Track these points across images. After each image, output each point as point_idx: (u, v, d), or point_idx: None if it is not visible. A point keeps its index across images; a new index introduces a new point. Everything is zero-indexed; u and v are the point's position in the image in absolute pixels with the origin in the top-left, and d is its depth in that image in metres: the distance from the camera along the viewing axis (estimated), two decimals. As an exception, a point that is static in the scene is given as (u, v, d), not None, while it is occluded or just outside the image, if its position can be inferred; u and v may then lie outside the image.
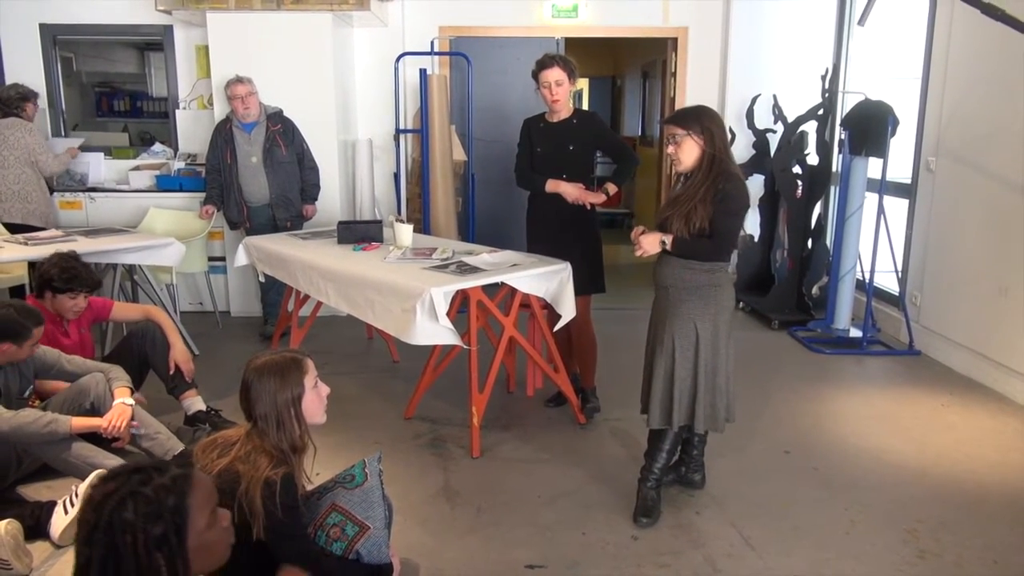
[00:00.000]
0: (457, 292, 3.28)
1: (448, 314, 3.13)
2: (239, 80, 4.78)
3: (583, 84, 10.81)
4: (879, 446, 3.49)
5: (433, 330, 3.10)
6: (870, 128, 4.73)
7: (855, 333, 4.98)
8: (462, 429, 3.59)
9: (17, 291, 4.55)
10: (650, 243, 2.75)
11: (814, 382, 4.32)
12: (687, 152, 2.73)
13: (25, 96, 4.94)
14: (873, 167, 4.88)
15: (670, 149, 2.77)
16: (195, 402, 3.53)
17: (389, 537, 2.26)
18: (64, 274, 3.31)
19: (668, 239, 2.73)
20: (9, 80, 5.61)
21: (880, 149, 4.64)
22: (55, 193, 5.32)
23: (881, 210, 4.66)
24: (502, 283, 3.41)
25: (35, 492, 2.99)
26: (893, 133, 4.58)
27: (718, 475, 3.16)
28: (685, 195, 2.74)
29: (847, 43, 5.91)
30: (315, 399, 2.09)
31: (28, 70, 5.76)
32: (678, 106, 6.25)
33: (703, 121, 2.73)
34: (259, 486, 1.91)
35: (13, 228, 4.71)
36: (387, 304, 3.28)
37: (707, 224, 2.69)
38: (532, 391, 4.11)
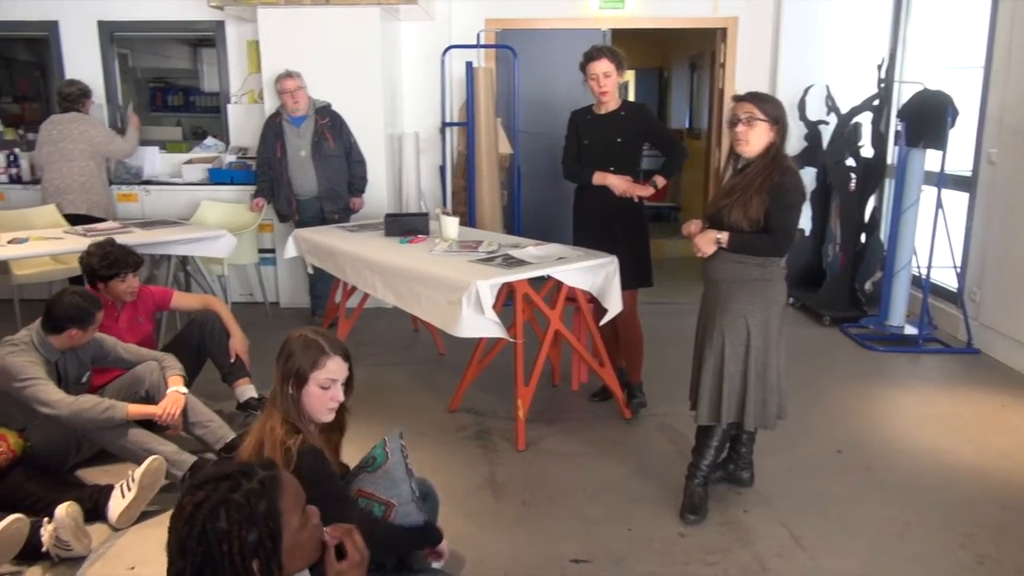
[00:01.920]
0: (503, 285, 3.28)
1: (494, 307, 3.13)
2: (288, 74, 4.85)
3: (629, 76, 10.70)
4: (935, 447, 3.39)
5: (479, 323, 3.10)
6: (928, 119, 4.58)
7: (910, 330, 4.84)
8: (507, 422, 3.59)
9: (77, 281, 4.68)
10: (706, 243, 2.70)
11: (867, 380, 4.22)
12: (758, 137, 2.65)
13: (85, 92, 5.09)
14: (931, 159, 4.74)
15: (740, 128, 2.65)
16: (247, 390, 3.59)
17: (420, 512, 2.20)
18: (104, 260, 3.36)
19: (724, 237, 2.66)
20: (69, 75, 5.76)
21: (939, 141, 4.50)
22: (112, 186, 5.46)
23: (939, 203, 4.52)
24: (548, 276, 3.40)
25: (94, 476, 3.08)
26: (952, 124, 4.43)
27: (768, 473, 3.11)
28: (741, 184, 2.67)
29: (904, 31, 5.74)
30: (319, 394, 1.99)
31: (87, 67, 5.92)
32: (727, 98, 6.15)
33: (781, 112, 2.67)
34: (279, 449, 1.91)
35: (76, 219, 4.85)
36: (433, 296, 3.29)
37: (762, 216, 2.62)
38: (577, 385, 4.09)
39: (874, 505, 2.91)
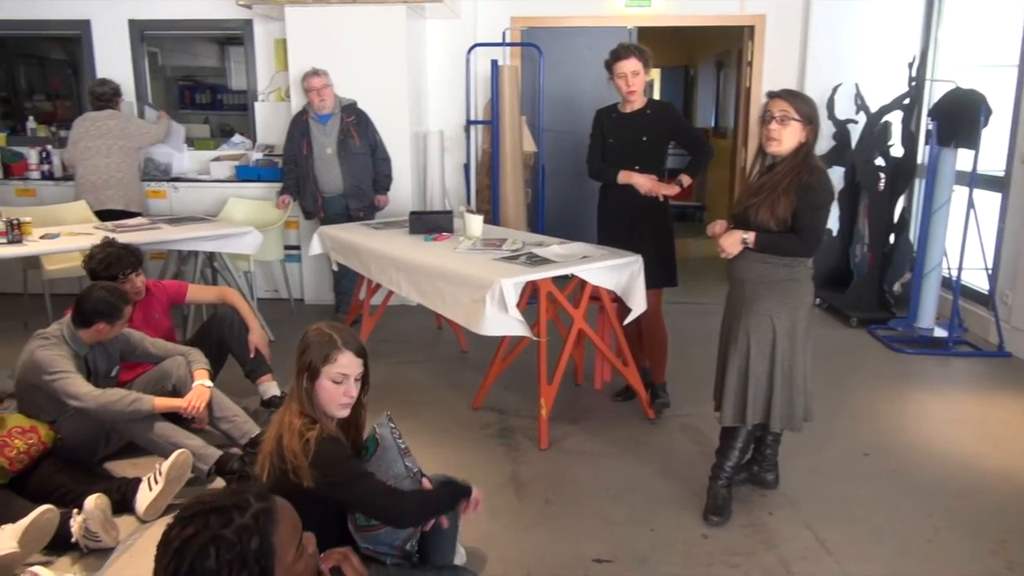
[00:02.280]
0: (527, 283, 3.27)
1: (518, 305, 3.13)
2: (315, 72, 4.88)
3: (655, 74, 10.64)
4: (965, 451, 3.34)
5: (503, 321, 3.10)
6: (960, 118, 4.50)
7: (940, 332, 4.77)
8: (530, 420, 3.59)
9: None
10: (731, 244, 2.66)
11: (895, 382, 4.15)
12: (791, 136, 2.61)
13: (117, 91, 5.19)
14: (962, 159, 4.66)
15: (773, 126, 2.62)
16: (270, 387, 3.62)
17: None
18: (103, 263, 3.35)
19: (750, 237, 2.63)
20: (100, 75, 5.85)
21: (971, 140, 4.42)
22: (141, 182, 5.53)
23: (971, 204, 4.44)
24: (572, 275, 3.39)
25: (121, 468, 3.12)
26: (986, 123, 4.36)
27: (793, 475, 3.07)
28: (769, 183, 2.63)
29: (936, 29, 5.65)
30: (331, 389, 2.00)
31: (118, 65, 6.00)
32: (754, 96, 6.09)
33: (815, 112, 2.64)
34: (298, 440, 1.92)
35: (111, 215, 4.91)
36: (457, 294, 3.29)
37: (790, 215, 2.59)
38: (600, 384, 4.08)
39: (901, 509, 2.87)
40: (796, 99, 2.63)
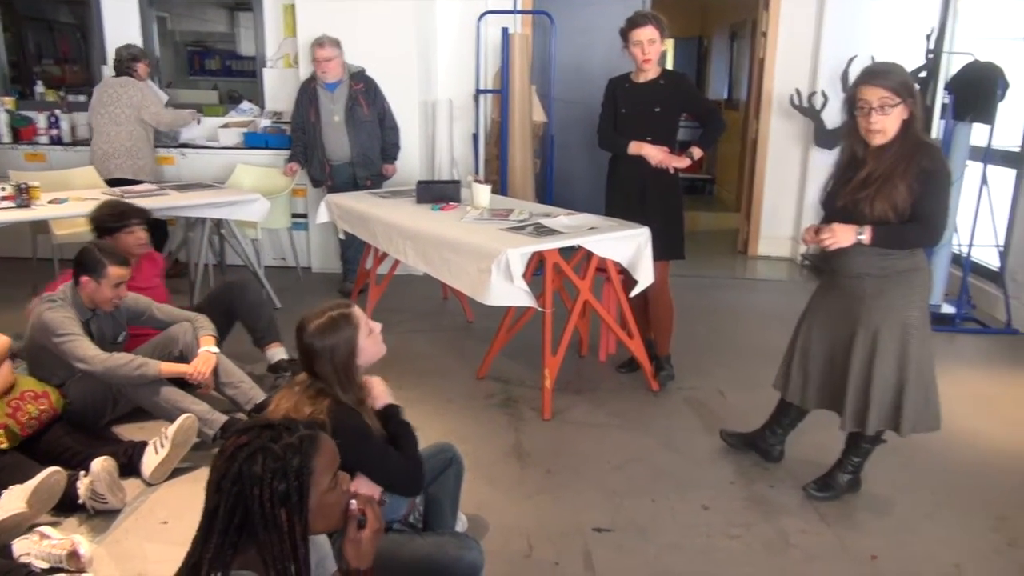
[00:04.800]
0: (533, 254, 3.27)
1: (524, 276, 3.12)
2: (319, 44, 4.81)
3: (668, 45, 10.50)
4: (970, 428, 3.33)
5: (508, 291, 3.09)
6: (977, 92, 4.43)
7: (948, 309, 4.74)
8: (534, 391, 3.60)
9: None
10: (844, 235, 2.41)
11: (901, 359, 4.14)
12: (894, 122, 2.37)
13: (135, 56, 5.14)
14: (977, 134, 4.59)
15: (874, 117, 2.37)
16: (277, 352, 3.64)
17: None
18: (114, 212, 3.40)
19: (865, 234, 2.40)
20: (109, 39, 5.83)
21: (987, 114, 4.35)
22: (150, 148, 5.52)
23: (984, 179, 4.39)
24: (579, 246, 3.38)
25: (128, 432, 3.16)
26: (1003, 97, 4.29)
27: (796, 449, 3.07)
28: (881, 171, 2.38)
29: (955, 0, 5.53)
30: (370, 344, 2.07)
31: (126, 29, 5.95)
32: (768, 69, 6.01)
33: (908, 79, 2.37)
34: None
35: (119, 184, 4.90)
36: (463, 264, 3.29)
37: (910, 204, 2.37)
38: (605, 356, 4.08)
39: (904, 485, 2.87)
40: (889, 78, 2.36)
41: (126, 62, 5.08)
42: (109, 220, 3.38)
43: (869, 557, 2.44)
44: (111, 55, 5.67)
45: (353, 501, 1.47)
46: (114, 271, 3.01)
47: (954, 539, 2.54)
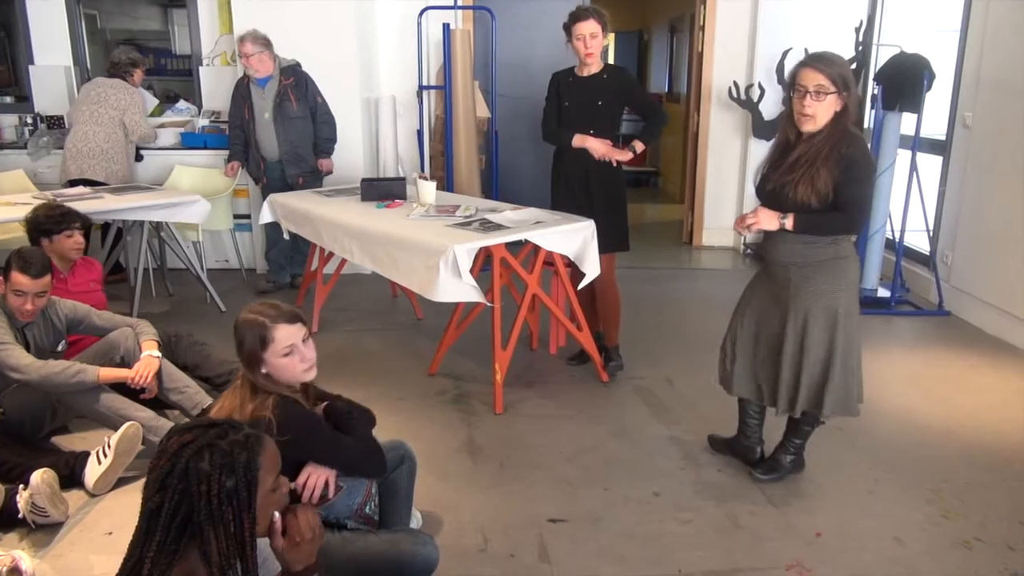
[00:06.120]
0: (480, 249, 3.27)
1: (472, 271, 3.13)
2: (241, 40, 4.73)
3: (610, 39, 10.60)
4: (905, 407, 3.46)
5: (456, 287, 3.10)
6: (905, 82, 4.59)
7: (883, 293, 4.91)
8: (485, 386, 3.61)
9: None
10: (767, 219, 2.47)
11: (840, 342, 4.27)
12: (826, 110, 2.40)
13: (135, 62, 5.02)
14: (906, 123, 4.76)
15: (807, 101, 2.40)
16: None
17: None
18: (52, 214, 3.33)
19: (788, 222, 2.45)
20: (35, 38, 5.63)
21: (915, 104, 4.52)
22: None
23: (914, 167, 4.56)
24: (526, 240, 3.40)
25: (69, 443, 3.07)
26: (929, 87, 4.45)
27: (741, 433, 3.15)
28: (806, 157, 2.43)
29: (883, -6, 5.72)
30: (286, 363, 1.97)
31: (53, 27, 5.74)
32: (707, 62, 6.12)
33: (847, 71, 2.40)
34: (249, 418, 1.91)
35: (87, 185, 4.74)
36: (411, 261, 3.28)
37: (831, 190, 2.42)
38: (555, 349, 4.12)
39: (845, 464, 2.97)
40: (830, 66, 2.39)
41: (124, 66, 4.96)
42: (47, 222, 3.29)
43: (814, 534, 2.52)
44: (37, 55, 5.48)
45: (276, 513, 1.45)
46: (16, 278, 2.84)
47: (894, 513, 2.64)
